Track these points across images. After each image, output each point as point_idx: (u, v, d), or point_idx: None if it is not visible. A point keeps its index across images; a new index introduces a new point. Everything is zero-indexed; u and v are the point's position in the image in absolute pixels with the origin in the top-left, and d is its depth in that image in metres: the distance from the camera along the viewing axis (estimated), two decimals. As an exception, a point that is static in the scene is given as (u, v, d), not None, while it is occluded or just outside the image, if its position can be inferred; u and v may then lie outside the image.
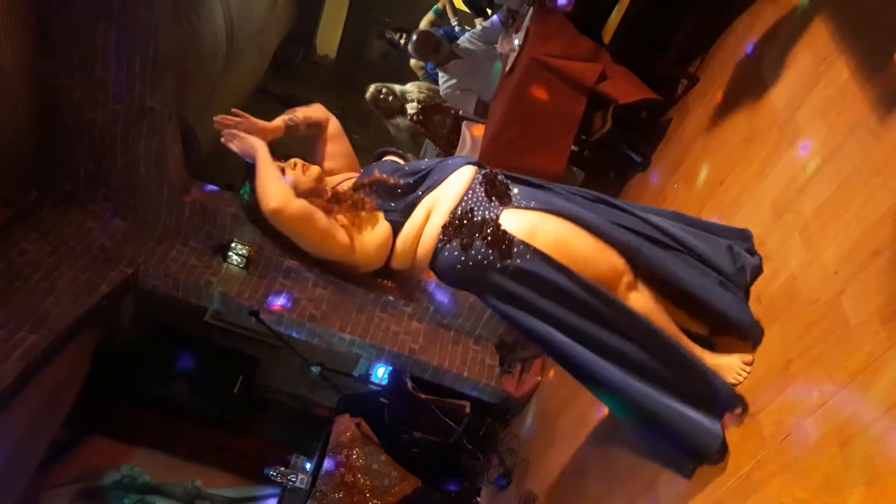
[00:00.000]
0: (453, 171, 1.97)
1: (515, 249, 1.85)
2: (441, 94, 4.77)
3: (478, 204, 1.92)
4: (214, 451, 5.80)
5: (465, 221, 1.89)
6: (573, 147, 3.69)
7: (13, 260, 3.97)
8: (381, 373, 5.34)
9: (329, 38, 8.34)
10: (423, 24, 5.33)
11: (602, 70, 3.42)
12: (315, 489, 4.27)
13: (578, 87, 3.42)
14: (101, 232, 4.38)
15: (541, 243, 1.86)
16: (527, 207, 1.93)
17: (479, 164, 2.03)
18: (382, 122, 5.37)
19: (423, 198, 1.95)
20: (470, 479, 4.65)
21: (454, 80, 4.57)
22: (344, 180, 2.07)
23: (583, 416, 3.32)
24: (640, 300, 1.98)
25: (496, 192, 1.95)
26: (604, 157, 3.99)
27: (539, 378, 4.30)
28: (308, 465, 4.76)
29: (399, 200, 1.97)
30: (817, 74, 2.32)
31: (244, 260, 4.53)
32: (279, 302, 4.48)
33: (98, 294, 4.11)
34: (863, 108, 2.01)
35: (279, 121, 2.02)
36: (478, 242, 1.86)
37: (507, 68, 3.90)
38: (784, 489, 1.71)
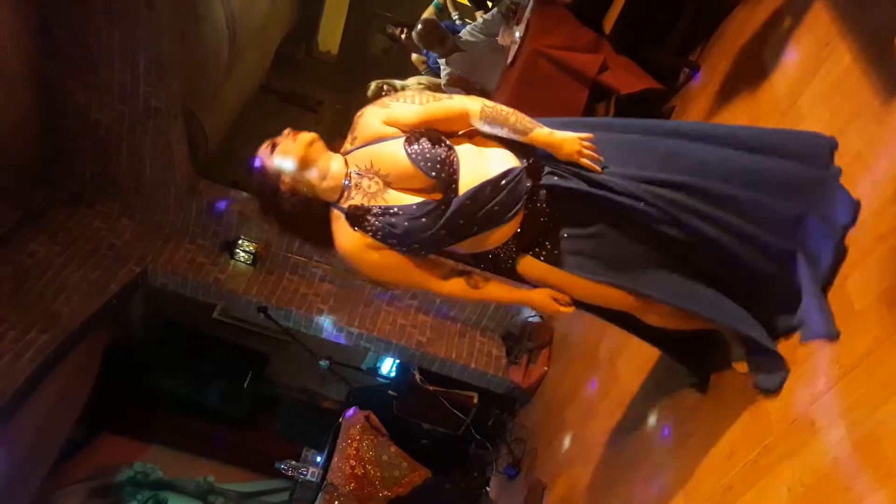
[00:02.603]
0: (501, 224, 1.74)
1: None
2: (443, 87, 4.77)
3: (505, 251, 1.82)
4: (226, 446, 5.86)
5: (485, 264, 1.86)
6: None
7: (23, 261, 4.01)
8: (388, 365, 5.38)
9: (331, 34, 8.33)
10: (425, 17, 5.32)
11: (603, 60, 3.42)
12: (326, 482, 4.31)
13: (580, 78, 3.43)
14: (109, 231, 4.41)
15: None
16: (546, 261, 1.80)
17: (527, 201, 1.74)
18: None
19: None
20: (479, 470, 4.68)
21: (456, 73, 4.57)
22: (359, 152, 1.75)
23: (590, 406, 3.34)
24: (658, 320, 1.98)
25: (528, 239, 1.79)
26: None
27: (546, 368, 4.32)
28: (319, 459, 4.79)
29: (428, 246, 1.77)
30: (819, 60, 2.32)
31: (251, 257, 4.56)
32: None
33: (108, 293, 4.14)
34: (865, 92, 2.01)
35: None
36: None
37: (509, 60, 3.90)
38: (791, 474, 1.73)
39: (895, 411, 1.50)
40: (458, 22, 5.10)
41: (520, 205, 1.72)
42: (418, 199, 1.70)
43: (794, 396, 1.82)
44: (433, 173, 1.66)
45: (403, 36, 5.11)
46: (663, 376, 2.64)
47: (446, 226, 1.69)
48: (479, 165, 1.72)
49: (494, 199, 1.69)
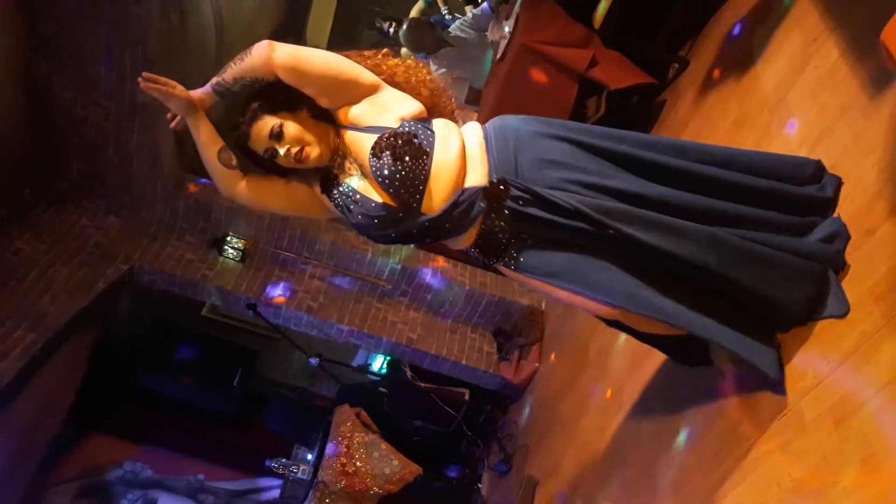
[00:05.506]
0: (453, 237, 1.76)
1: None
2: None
3: (471, 252, 1.84)
4: (216, 444, 5.84)
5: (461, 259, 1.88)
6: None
7: (8, 259, 3.97)
8: (379, 362, 5.37)
9: (319, 29, 8.28)
10: (414, 12, 5.31)
11: (593, 56, 3.42)
12: (317, 479, 4.30)
13: (569, 74, 3.43)
14: (96, 229, 4.37)
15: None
16: (522, 272, 1.76)
17: (485, 217, 1.71)
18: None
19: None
20: (470, 466, 4.69)
21: (444, 69, 4.56)
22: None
23: (581, 402, 3.35)
24: None
25: (491, 250, 1.77)
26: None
27: (537, 364, 4.32)
28: (309, 456, 4.78)
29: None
30: (807, 55, 2.32)
31: (240, 253, 4.54)
32: (278, 293, 4.50)
33: (94, 291, 4.11)
34: (853, 87, 2.02)
35: (205, 88, 1.75)
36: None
37: (499, 56, 3.89)
38: (780, 468, 1.73)
39: (883, 406, 1.50)
40: (447, 17, 5.09)
41: (469, 225, 1.73)
42: (379, 200, 1.70)
43: (783, 391, 1.82)
44: (391, 191, 1.67)
45: (392, 30, 5.10)
46: (654, 372, 2.64)
47: (399, 233, 1.74)
48: (453, 180, 1.69)
49: (448, 220, 1.71)
